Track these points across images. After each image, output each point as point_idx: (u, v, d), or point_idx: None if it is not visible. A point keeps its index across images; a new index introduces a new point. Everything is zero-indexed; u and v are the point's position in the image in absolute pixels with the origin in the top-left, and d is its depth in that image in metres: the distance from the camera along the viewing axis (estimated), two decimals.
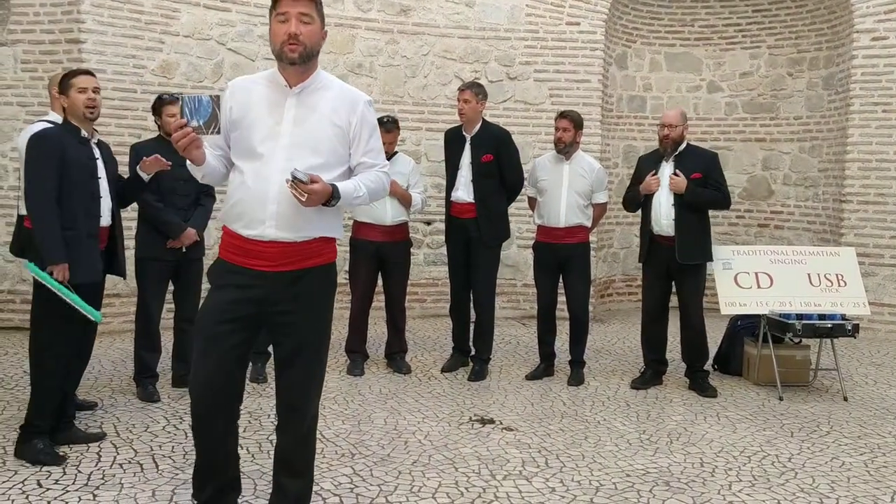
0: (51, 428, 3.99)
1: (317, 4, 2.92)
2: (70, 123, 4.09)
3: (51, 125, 4.37)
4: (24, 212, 4.45)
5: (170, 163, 4.51)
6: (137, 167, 4.49)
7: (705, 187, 5.51)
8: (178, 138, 2.79)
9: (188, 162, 2.94)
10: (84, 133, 4.10)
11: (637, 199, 5.67)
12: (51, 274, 3.83)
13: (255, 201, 2.87)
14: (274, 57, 2.93)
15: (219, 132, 2.83)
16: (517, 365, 6.18)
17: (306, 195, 2.75)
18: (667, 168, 5.58)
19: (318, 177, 2.80)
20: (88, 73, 4.18)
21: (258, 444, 4.23)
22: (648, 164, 5.72)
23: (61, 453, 3.96)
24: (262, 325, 3.01)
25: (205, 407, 2.98)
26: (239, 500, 3.27)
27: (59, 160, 3.91)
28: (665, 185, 5.52)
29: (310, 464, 3.14)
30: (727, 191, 5.67)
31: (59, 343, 3.95)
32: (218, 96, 2.83)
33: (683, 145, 5.60)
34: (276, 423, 3.13)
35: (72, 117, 4.09)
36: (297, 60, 2.87)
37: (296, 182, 2.75)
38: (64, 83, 4.11)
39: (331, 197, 2.84)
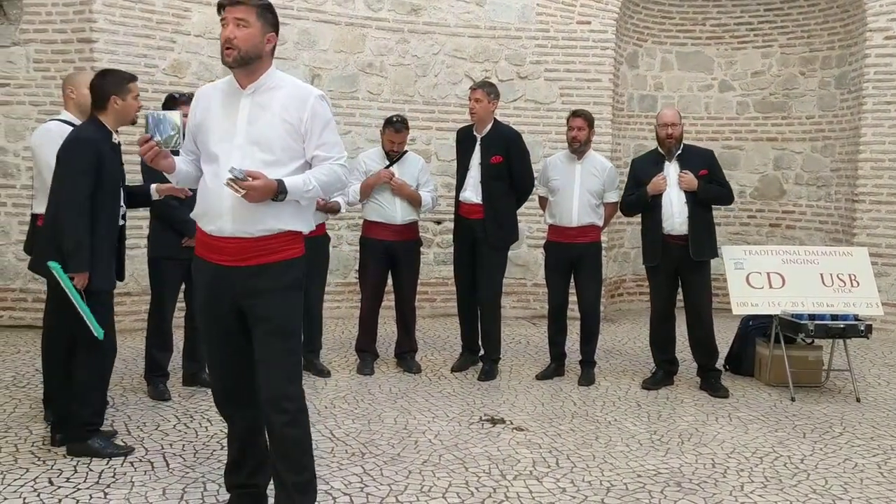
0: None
1: (259, 10, 2.99)
2: (104, 127, 3.99)
3: (64, 123, 4.37)
4: (37, 210, 4.45)
5: (190, 192, 4.51)
6: (153, 187, 4.47)
7: (710, 183, 5.54)
8: (144, 152, 2.99)
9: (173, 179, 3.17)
10: (115, 138, 4.05)
11: (644, 202, 5.61)
12: (72, 279, 3.80)
13: (213, 199, 3.01)
14: None
15: (179, 146, 3.03)
16: (527, 365, 6.17)
17: (243, 191, 2.85)
18: (672, 168, 5.56)
19: (257, 173, 2.90)
20: (136, 77, 4.16)
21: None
22: (647, 165, 5.68)
23: (121, 442, 4.05)
24: (243, 317, 3.08)
25: (220, 399, 3.24)
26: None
27: (96, 165, 3.86)
28: (673, 184, 5.50)
29: (302, 456, 3.13)
30: (730, 186, 5.74)
31: (112, 348, 4.06)
32: (178, 112, 3.05)
33: (681, 145, 5.61)
34: None
35: (112, 120, 4.00)
36: (231, 64, 2.99)
37: (234, 180, 2.85)
38: (121, 86, 3.98)
39: (277, 191, 2.92)
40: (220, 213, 2.99)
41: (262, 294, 3.02)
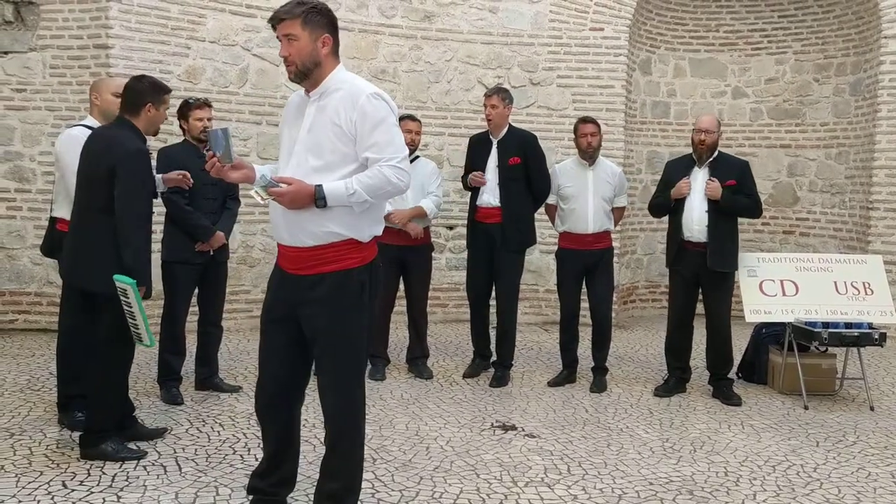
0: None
1: (304, 18, 2.97)
2: (140, 133, 4.04)
3: (88, 129, 4.41)
4: (56, 214, 4.51)
5: (190, 183, 4.63)
6: (158, 177, 4.47)
7: (737, 195, 5.46)
8: (209, 168, 3.00)
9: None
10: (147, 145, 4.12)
11: (667, 205, 5.60)
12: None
13: (275, 209, 3.03)
14: None
15: (230, 161, 2.98)
16: (539, 371, 6.16)
17: (269, 198, 2.87)
18: (700, 174, 5.51)
19: (290, 179, 2.90)
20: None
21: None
22: (678, 169, 5.65)
23: (134, 447, 4.07)
24: (302, 327, 3.09)
25: (261, 402, 3.22)
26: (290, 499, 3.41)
27: (152, 181, 3.94)
28: (698, 190, 5.45)
29: (343, 468, 3.13)
30: (759, 199, 5.61)
31: (130, 353, 4.10)
32: (227, 129, 3.03)
33: (716, 153, 5.54)
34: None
35: (143, 126, 4.05)
36: (294, 80, 3.04)
37: (263, 188, 2.86)
38: (158, 95, 4.04)
39: (315, 197, 2.90)
40: (277, 223, 3.04)
41: (317, 305, 3.00)
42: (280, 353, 3.14)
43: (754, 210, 5.61)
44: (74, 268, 4.05)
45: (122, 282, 3.73)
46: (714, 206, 5.41)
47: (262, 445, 3.35)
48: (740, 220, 8.10)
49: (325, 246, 2.98)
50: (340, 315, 3.02)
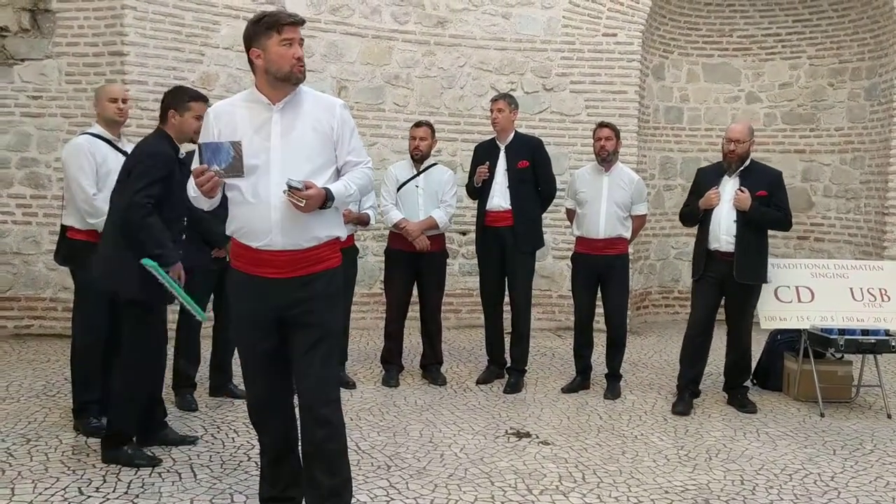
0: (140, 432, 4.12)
1: None
2: (170, 140, 4.10)
3: (94, 136, 4.44)
4: (67, 222, 4.52)
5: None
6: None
7: (768, 206, 5.35)
8: (202, 183, 2.98)
9: (195, 195, 3.11)
10: (181, 153, 4.15)
11: (696, 214, 5.51)
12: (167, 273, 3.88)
13: (259, 215, 3.05)
14: (279, 78, 3.07)
15: (242, 176, 2.99)
16: (553, 377, 6.14)
17: (304, 201, 2.95)
18: (729, 183, 5.41)
19: (311, 182, 3.00)
20: (204, 98, 4.18)
21: None
22: (709, 177, 5.55)
23: (150, 454, 4.08)
24: (286, 326, 3.14)
25: (256, 412, 3.29)
26: None
27: (167, 177, 3.93)
28: (727, 199, 5.35)
29: (338, 461, 3.17)
30: (790, 212, 5.48)
31: (159, 357, 4.14)
32: (238, 142, 2.98)
33: (748, 161, 5.45)
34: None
35: (173, 133, 4.10)
36: (302, 80, 3.11)
37: (292, 191, 2.93)
38: (181, 102, 4.06)
39: (326, 199, 3.02)
40: (269, 229, 3.04)
41: (311, 302, 3.10)
42: (266, 360, 3.20)
43: (784, 223, 5.46)
44: (108, 272, 4.04)
45: (146, 264, 3.82)
46: (742, 217, 5.30)
47: (261, 453, 3.38)
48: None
49: (317, 247, 3.11)
50: (333, 309, 3.20)
